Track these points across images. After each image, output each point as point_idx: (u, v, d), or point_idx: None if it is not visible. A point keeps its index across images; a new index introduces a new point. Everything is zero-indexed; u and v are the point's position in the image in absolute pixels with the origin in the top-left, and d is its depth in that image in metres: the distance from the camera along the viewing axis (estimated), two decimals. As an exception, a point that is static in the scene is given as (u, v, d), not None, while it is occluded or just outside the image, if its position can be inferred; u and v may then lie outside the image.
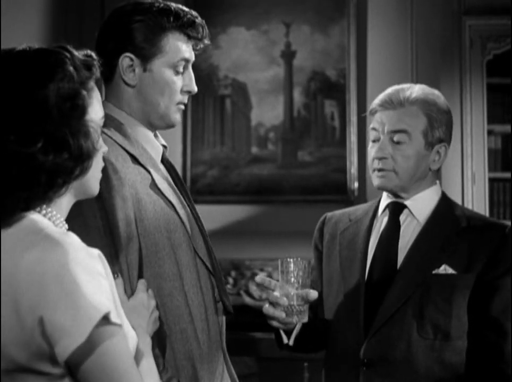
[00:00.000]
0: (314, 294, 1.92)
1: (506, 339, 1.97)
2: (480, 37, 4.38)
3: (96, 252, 1.31)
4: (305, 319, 1.94)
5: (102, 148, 1.44)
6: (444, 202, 2.11)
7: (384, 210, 2.12)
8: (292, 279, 1.91)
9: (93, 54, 1.43)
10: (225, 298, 1.91)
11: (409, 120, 2.03)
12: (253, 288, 4.56)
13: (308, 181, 4.73)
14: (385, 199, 2.13)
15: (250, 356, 4.33)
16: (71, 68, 1.35)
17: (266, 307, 1.95)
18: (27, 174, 1.30)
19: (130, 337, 1.37)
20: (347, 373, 2.04)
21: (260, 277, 1.97)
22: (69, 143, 1.32)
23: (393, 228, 2.08)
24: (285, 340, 2.06)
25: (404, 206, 2.09)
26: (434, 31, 4.49)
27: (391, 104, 2.04)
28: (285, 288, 1.92)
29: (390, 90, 2.08)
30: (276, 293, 1.93)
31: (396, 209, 2.10)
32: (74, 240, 1.29)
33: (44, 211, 1.35)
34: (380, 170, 2.05)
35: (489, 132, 4.40)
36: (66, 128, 1.32)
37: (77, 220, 1.61)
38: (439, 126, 2.05)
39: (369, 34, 4.68)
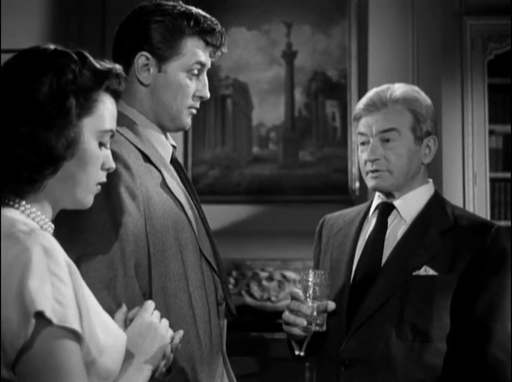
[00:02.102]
0: (332, 305, 1.98)
1: (490, 340, 1.94)
2: (481, 38, 4.37)
3: (62, 257, 1.28)
4: (324, 328, 1.98)
5: (106, 164, 1.42)
6: (435, 201, 2.10)
7: (374, 211, 2.13)
8: (312, 289, 1.96)
9: (118, 67, 1.43)
10: (230, 300, 1.91)
11: (396, 118, 2.05)
12: (254, 288, 4.56)
13: (309, 181, 4.74)
14: (377, 200, 2.13)
15: (251, 356, 4.33)
16: (71, 70, 1.35)
17: (287, 315, 1.98)
18: None
19: (115, 335, 1.35)
20: (330, 372, 2.04)
21: (295, 291, 1.99)
22: (37, 139, 1.32)
23: (379, 229, 2.08)
24: (297, 351, 2.07)
25: (394, 207, 2.09)
26: (435, 31, 4.49)
27: (374, 106, 2.05)
28: (305, 298, 1.97)
29: (370, 93, 2.10)
30: (298, 302, 1.97)
31: (385, 210, 2.10)
32: (38, 241, 1.26)
33: (23, 208, 1.35)
34: (373, 171, 2.06)
35: (491, 132, 4.40)
36: (40, 124, 1.32)
37: (83, 215, 1.62)
38: (425, 120, 2.07)
39: (370, 35, 4.68)
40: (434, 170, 4.42)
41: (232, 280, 4.52)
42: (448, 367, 1.95)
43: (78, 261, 1.62)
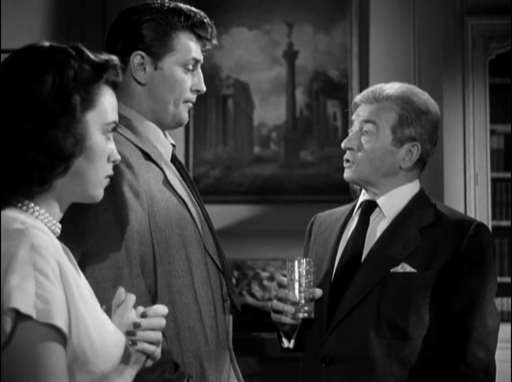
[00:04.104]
0: (319, 292, 1.98)
1: (469, 338, 1.93)
2: (482, 37, 4.37)
3: (52, 256, 1.27)
4: (312, 315, 1.98)
5: (112, 156, 1.42)
6: (418, 199, 2.08)
7: (358, 209, 2.12)
8: (298, 277, 1.97)
9: (114, 58, 1.42)
10: (234, 296, 1.92)
11: (380, 114, 2.05)
12: (255, 288, 4.56)
13: (311, 181, 4.74)
14: (361, 198, 2.13)
15: (252, 356, 4.33)
16: (71, 66, 1.34)
17: (275, 303, 1.99)
18: None
19: (112, 337, 1.34)
20: (311, 370, 2.04)
21: (282, 279, 2.01)
22: (45, 139, 1.31)
23: (361, 226, 2.08)
24: (285, 344, 2.09)
25: (377, 204, 2.08)
26: (436, 31, 4.49)
27: (368, 99, 2.08)
28: (292, 287, 1.98)
29: (371, 87, 2.12)
30: (285, 290, 1.97)
31: (367, 207, 2.09)
32: (28, 237, 1.26)
33: (25, 207, 1.34)
34: (347, 161, 2.08)
35: (492, 132, 4.40)
36: (47, 123, 1.31)
37: (87, 214, 1.63)
38: (411, 124, 2.04)
39: (372, 34, 4.68)
40: (435, 170, 4.43)
41: (233, 280, 4.53)
42: (427, 365, 1.95)
43: (83, 261, 1.63)
